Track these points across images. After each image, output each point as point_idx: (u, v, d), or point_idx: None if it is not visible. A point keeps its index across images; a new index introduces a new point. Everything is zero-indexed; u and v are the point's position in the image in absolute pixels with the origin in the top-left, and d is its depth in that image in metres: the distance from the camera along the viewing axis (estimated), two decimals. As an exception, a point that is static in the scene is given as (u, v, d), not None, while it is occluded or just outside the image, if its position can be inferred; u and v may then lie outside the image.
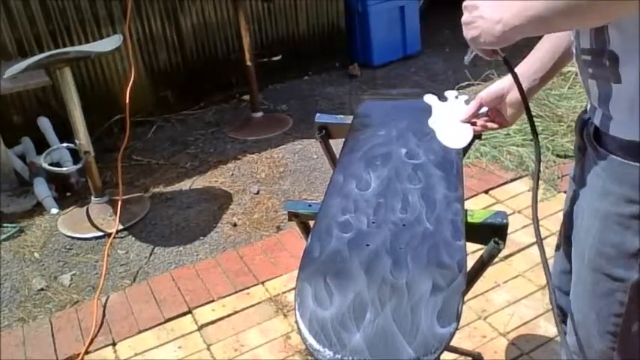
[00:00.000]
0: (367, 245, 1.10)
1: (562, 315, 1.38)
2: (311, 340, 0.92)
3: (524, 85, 1.28)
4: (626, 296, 1.08)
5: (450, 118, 1.54)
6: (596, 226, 1.10)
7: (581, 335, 1.21)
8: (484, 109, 1.47)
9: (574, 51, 1.13)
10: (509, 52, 1.20)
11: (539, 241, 1.12)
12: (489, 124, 1.48)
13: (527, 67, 1.34)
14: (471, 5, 1.12)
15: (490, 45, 1.12)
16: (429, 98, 1.67)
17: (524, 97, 1.24)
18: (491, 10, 1.07)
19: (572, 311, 1.24)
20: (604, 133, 1.07)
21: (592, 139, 1.10)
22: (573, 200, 1.24)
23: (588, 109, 1.15)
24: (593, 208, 1.10)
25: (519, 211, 2.98)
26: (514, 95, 1.36)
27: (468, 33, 1.14)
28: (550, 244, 2.70)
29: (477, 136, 1.71)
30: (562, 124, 3.70)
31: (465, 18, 1.14)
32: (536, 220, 1.14)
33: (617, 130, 1.04)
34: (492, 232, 1.15)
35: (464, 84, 4.56)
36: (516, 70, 1.30)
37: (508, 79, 1.34)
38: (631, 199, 1.02)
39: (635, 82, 0.97)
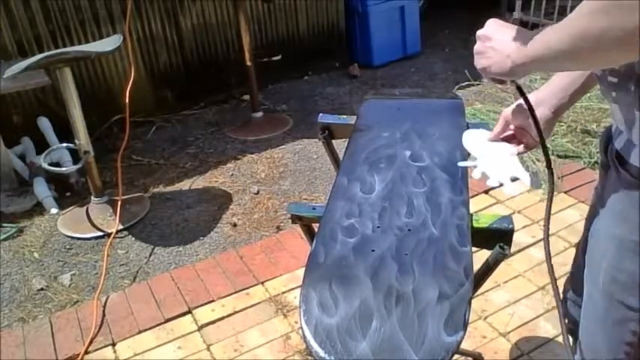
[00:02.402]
0: (372, 251, 1.10)
1: (572, 325, 1.36)
2: (317, 347, 0.91)
3: (553, 103, 1.27)
4: (638, 326, 1.05)
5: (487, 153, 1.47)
6: (611, 250, 1.07)
7: (589, 357, 1.19)
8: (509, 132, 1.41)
9: (598, 72, 1.08)
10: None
11: (549, 263, 1.10)
12: (518, 148, 1.40)
13: (556, 84, 1.30)
14: (484, 36, 1.13)
15: (500, 76, 1.12)
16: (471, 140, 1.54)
17: (538, 124, 1.21)
18: (503, 43, 1.07)
19: (582, 333, 1.21)
20: (625, 157, 1.03)
21: (615, 160, 1.06)
22: (592, 217, 1.20)
23: (613, 129, 1.11)
24: (610, 232, 1.07)
25: (519, 211, 2.98)
26: (540, 112, 1.30)
27: (479, 62, 1.14)
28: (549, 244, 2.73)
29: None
30: (562, 124, 3.71)
31: (477, 47, 1.14)
32: (546, 238, 1.12)
33: (637, 159, 1.00)
34: (498, 237, 1.14)
35: (464, 84, 4.56)
36: (546, 86, 1.30)
37: (532, 95, 1.31)
38: None
39: None
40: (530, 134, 1.35)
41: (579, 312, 1.27)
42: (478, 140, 1.47)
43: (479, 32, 1.15)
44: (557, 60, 0.94)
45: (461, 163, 1.40)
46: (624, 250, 1.04)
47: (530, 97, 1.30)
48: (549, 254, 1.11)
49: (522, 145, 1.37)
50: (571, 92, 1.28)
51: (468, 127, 1.57)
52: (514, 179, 1.32)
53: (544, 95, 1.32)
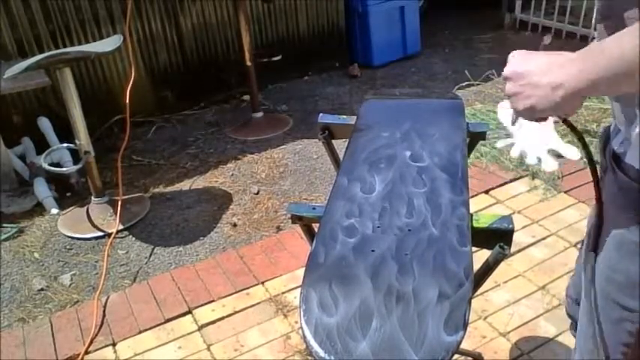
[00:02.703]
0: (372, 251, 1.10)
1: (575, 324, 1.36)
2: (317, 347, 0.91)
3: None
4: (634, 326, 1.05)
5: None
6: (608, 250, 1.07)
7: (587, 357, 1.19)
8: None
9: None
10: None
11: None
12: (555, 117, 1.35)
13: None
14: (515, 75, 1.00)
15: (549, 113, 1.00)
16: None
17: (594, 167, 1.11)
18: (544, 75, 0.94)
19: (579, 334, 1.22)
20: (622, 156, 1.02)
21: (612, 160, 1.05)
22: (596, 220, 1.19)
23: (612, 128, 1.10)
24: (607, 231, 1.08)
25: (519, 212, 2.98)
26: None
27: (518, 104, 1.01)
28: (550, 244, 2.73)
29: (480, 137, 1.71)
30: (562, 124, 3.70)
31: (510, 89, 1.01)
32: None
33: (633, 159, 0.99)
34: (498, 237, 1.15)
35: (464, 84, 4.56)
36: None
37: None
38: None
39: None
40: None
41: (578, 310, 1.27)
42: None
43: (505, 73, 1.02)
44: (623, 78, 0.82)
45: (499, 143, 1.36)
46: (622, 249, 1.04)
47: None
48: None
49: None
50: None
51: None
52: (554, 153, 1.28)
53: None
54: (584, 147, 1.11)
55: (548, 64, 0.94)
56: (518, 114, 1.03)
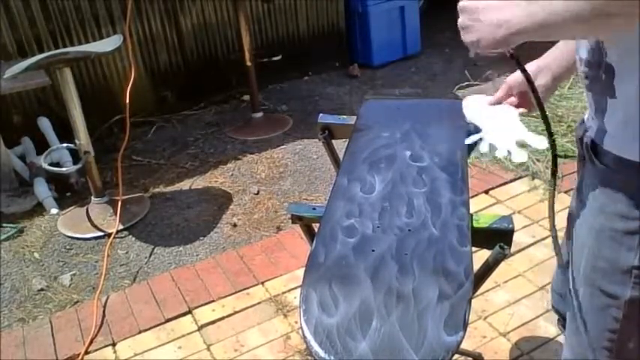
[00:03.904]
0: (372, 251, 1.10)
1: (562, 320, 1.37)
2: (317, 347, 0.91)
3: (554, 70, 1.26)
4: (620, 312, 1.06)
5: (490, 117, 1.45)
6: (591, 239, 1.08)
7: (576, 348, 1.19)
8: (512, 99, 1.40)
9: (577, 60, 1.10)
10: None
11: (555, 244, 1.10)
12: (520, 109, 1.39)
13: (560, 51, 1.28)
14: (468, 7, 1.03)
15: (490, 49, 1.03)
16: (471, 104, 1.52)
17: (536, 93, 1.14)
18: (492, 12, 0.98)
19: (568, 324, 1.22)
20: (599, 146, 1.05)
21: (590, 150, 1.08)
22: (573, 209, 1.23)
23: (585, 118, 1.14)
24: (589, 222, 1.09)
25: (519, 212, 2.98)
26: (541, 79, 1.28)
27: (465, 37, 1.06)
28: (550, 244, 2.72)
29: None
30: (562, 124, 3.71)
31: (461, 21, 1.06)
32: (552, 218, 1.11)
33: (610, 145, 1.02)
34: (498, 237, 1.14)
35: (464, 84, 4.56)
36: (548, 55, 1.27)
37: (534, 63, 1.29)
38: (625, 215, 1.00)
39: (630, 98, 0.95)
40: (529, 100, 1.34)
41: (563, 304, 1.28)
42: (478, 107, 1.45)
43: (461, 4, 1.06)
44: (562, 23, 0.87)
45: (468, 140, 1.38)
46: (603, 237, 1.05)
47: (532, 64, 1.28)
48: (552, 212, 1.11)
49: (524, 109, 1.37)
50: (573, 60, 1.22)
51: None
52: (521, 144, 1.31)
53: (545, 63, 1.29)
54: (532, 89, 1.13)
55: (500, 2, 0.97)
56: (467, 46, 1.07)
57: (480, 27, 1.01)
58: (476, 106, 1.46)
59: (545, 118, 1.13)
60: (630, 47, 0.91)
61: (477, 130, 1.39)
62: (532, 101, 1.23)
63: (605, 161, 1.03)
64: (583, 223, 1.13)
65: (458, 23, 1.07)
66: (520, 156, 1.29)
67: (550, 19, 0.89)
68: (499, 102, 1.41)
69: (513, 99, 1.40)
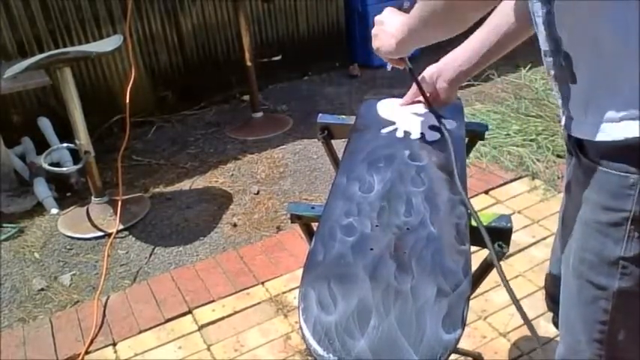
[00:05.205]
0: (371, 249, 1.10)
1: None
2: (315, 345, 0.91)
3: (447, 75, 1.49)
4: (609, 304, 1.06)
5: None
6: (578, 232, 1.09)
7: (569, 342, 1.20)
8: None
9: (541, 52, 1.13)
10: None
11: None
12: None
13: (452, 57, 1.49)
14: (379, 20, 1.36)
15: (390, 55, 1.36)
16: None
17: (425, 96, 1.52)
18: (391, 27, 1.31)
19: (560, 318, 1.23)
20: (571, 134, 1.08)
21: (575, 145, 1.09)
22: (563, 206, 1.25)
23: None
24: (575, 215, 1.10)
25: (519, 212, 2.98)
26: (438, 83, 1.53)
27: (373, 44, 1.39)
28: (550, 244, 2.71)
29: (479, 137, 1.72)
30: (562, 124, 3.70)
31: (373, 30, 1.38)
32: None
33: (576, 130, 1.05)
34: (496, 236, 1.14)
35: (464, 84, 4.55)
36: (446, 57, 1.50)
37: (435, 66, 1.53)
38: (609, 206, 1.00)
39: (587, 81, 0.98)
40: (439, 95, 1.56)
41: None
42: (392, 108, 1.67)
43: (376, 17, 1.37)
44: (419, 30, 1.19)
45: (384, 130, 1.55)
46: (589, 229, 1.06)
47: (431, 67, 1.54)
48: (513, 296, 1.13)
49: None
50: (474, 62, 1.45)
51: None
52: (433, 127, 1.51)
53: (440, 69, 1.52)
54: (422, 93, 1.51)
55: (399, 21, 1.29)
56: (374, 52, 1.40)
57: (382, 37, 1.35)
58: (389, 106, 1.69)
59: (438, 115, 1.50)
60: (580, 31, 0.94)
61: (392, 122, 1.58)
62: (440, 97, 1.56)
63: (589, 155, 1.04)
64: (570, 216, 1.13)
65: (371, 32, 1.40)
66: (432, 136, 1.49)
67: (415, 24, 1.19)
68: (409, 102, 1.64)
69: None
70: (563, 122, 1.10)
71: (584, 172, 1.05)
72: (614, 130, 0.95)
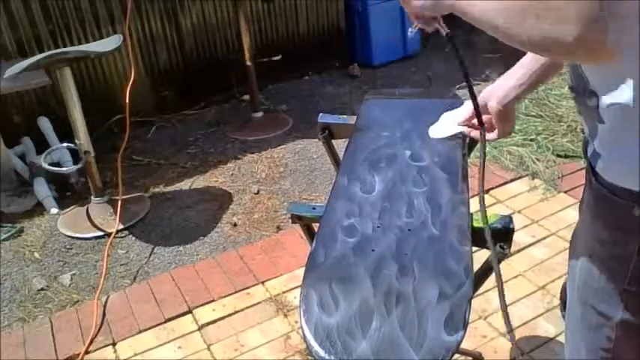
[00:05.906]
0: (372, 250, 1.10)
1: None
2: (317, 347, 0.91)
3: (500, 96, 1.32)
4: (613, 332, 1.05)
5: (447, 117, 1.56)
6: (584, 258, 1.07)
7: None
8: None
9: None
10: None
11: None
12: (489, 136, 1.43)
13: (507, 78, 1.34)
14: None
15: (421, 9, 1.07)
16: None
17: (471, 87, 1.29)
18: None
19: (566, 334, 1.22)
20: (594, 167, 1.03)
21: (590, 167, 1.05)
22: (577, 224, 1.21)
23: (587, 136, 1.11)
24: (584, 238, 1.08)
25: (519, 211, 2.98)
26: (490, 105, 1.36)
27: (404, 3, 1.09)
28: (550, 244, 2.73)
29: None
30: (562, 124, 3.71)
31: None
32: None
33: (601, 170, 1.00)
34: (498, 237, 1.14)
35: (464, 84, 4.56)
36: (498, 80, 1.34)
37: (487, 88, 1.38)
38: (615, 239, 0.98)
39: (613, 124, 0.93)
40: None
41: None
42: (444, 127, 1.57)
43: None
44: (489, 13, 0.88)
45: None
46: (594, 259, 1.04)
47: (486, 90, 1.38)
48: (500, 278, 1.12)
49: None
50: (523, 87, 1.30)
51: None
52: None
53: (493, 88, 1.36)
54: (470, 90, 1.30)
55: None
56: (401, 3, 1.11)
57: None
58: (442, 128, 1.58)
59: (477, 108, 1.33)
60: (607, 74, 0.89)
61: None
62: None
63: (601, 181, 1.00)
64: (580, 237, 1.12)
65: None
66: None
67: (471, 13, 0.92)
68: (464, 122, 1.50)
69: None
70: (589, 153, 1.05)
71: (596, 197, 1.02)
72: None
